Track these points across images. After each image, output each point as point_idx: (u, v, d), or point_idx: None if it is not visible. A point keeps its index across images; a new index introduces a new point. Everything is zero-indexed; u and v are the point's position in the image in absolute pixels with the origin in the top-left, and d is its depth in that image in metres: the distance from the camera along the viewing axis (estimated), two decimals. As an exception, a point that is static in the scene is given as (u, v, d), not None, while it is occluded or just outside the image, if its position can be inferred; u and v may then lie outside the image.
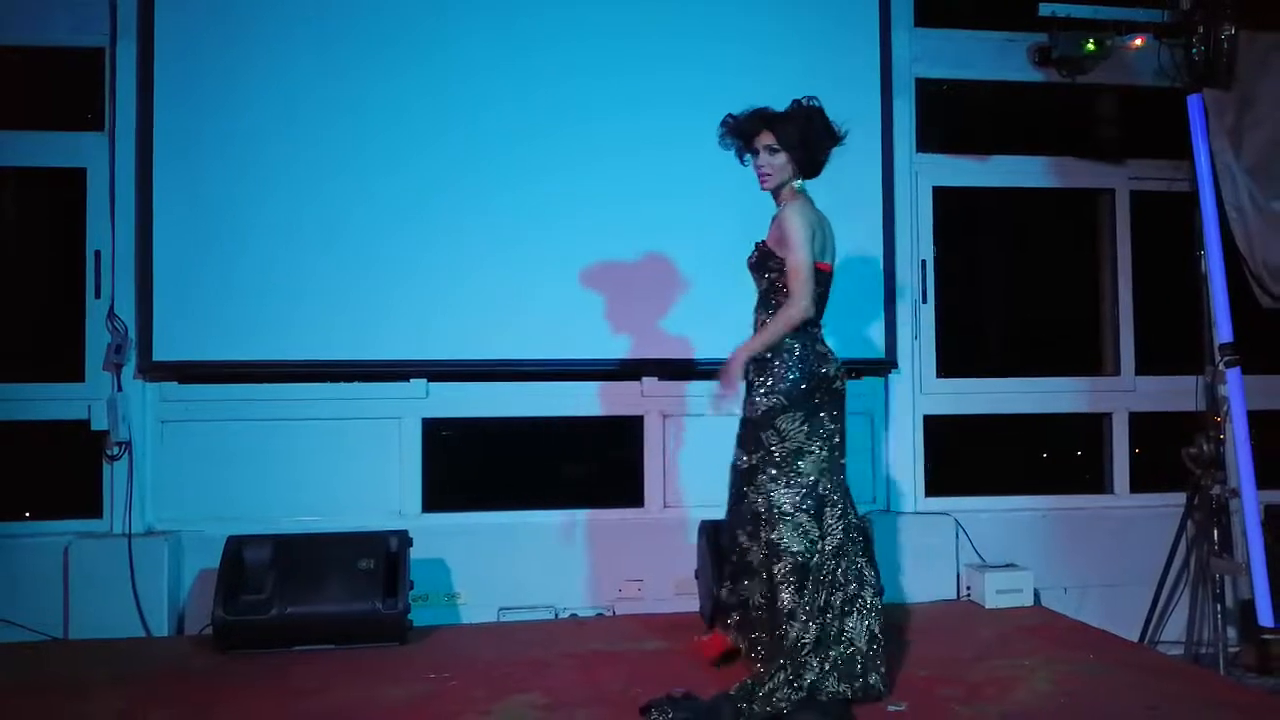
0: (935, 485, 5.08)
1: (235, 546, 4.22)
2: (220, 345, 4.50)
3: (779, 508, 3.45)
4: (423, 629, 4.29)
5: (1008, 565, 4.82)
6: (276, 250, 4.54)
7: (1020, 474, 5.27)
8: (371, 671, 3.78)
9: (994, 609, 4.65)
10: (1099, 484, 5.29)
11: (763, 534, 3.50)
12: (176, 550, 4.46)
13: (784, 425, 3.48)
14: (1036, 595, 4.80)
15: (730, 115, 3.61)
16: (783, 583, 3.40)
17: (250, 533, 4.30)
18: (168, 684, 3.67)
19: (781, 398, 3.47)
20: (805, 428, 3.48)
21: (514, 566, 4.63)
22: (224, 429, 4.59)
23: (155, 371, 4.53)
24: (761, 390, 3.52)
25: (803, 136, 3.52)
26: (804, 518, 3.43)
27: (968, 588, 4.84)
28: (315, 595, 4.08)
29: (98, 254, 4.55)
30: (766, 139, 3.55)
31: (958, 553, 4.88)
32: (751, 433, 3.58)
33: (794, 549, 3.41)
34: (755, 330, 3.61)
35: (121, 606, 4.29)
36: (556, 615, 4.61)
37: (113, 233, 4.53)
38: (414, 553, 4.29)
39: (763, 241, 3.64)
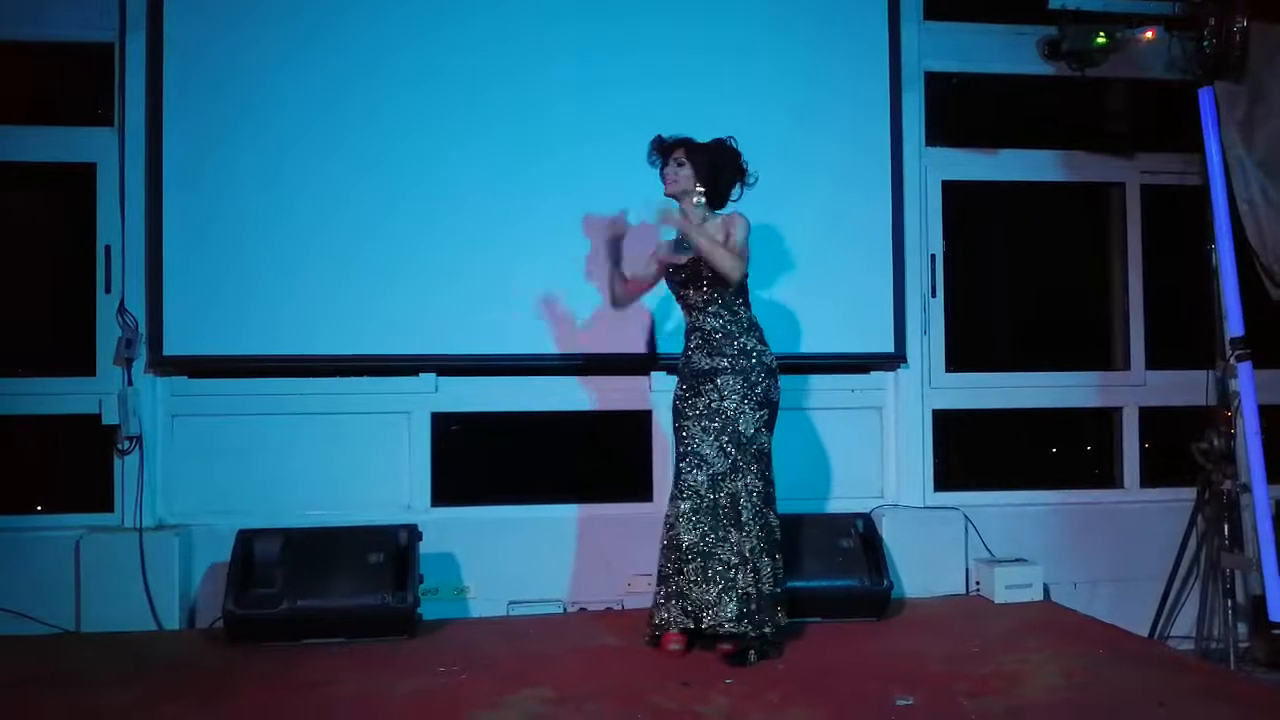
0: (944, 480, 5.07)
1: (245, 540, 4.23)
2: (229, 340, 4.51)
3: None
4: (432, 622, 4.30)
5: (1017, 560, 4.80)
6: (286, 245, 4.54)
7: (1030, 469, 5.26)
8: (381, 665, 3.79)
9: (1003, 604, 4.63)
10: (1109, 479, 5.27)
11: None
12: (187, 544, 4.47)
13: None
14: (1046, 590, 4.79)
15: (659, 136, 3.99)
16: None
17: (260, 526, 4.32)
18: (179, 677, 3.69)
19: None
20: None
21: (523, 561, 4.63)
22: (234, 423, 4.60)
23: (166, 366, 4.55)
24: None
25: (712, 159, 3.90)
26: None
27: (977, 583, 4.83)
28: (325, 589, 4.10)
29: (108, 249, 4.56)
30: (679, 153, 3.92)
31: (967, 547, 4.87)
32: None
33: None
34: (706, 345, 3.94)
35: (133, 600, 4.31)
36: (565, 609, 4.62)
37: (123, 227, 4.55)
38: (423, 546, 4.31)
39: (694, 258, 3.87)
